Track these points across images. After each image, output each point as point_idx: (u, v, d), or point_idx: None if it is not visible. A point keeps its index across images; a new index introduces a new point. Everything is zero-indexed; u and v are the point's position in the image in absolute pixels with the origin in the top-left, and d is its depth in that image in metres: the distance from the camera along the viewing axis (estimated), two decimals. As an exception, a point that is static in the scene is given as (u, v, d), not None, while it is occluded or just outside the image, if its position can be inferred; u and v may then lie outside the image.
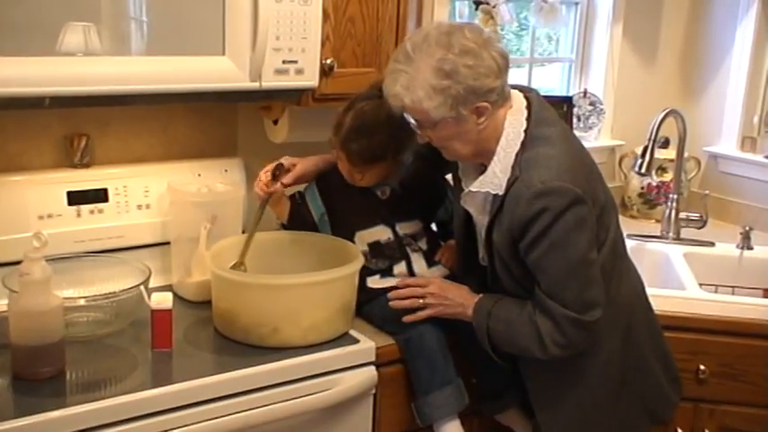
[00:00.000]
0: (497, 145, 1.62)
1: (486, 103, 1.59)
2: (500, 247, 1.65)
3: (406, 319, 1.77)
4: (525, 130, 1.62)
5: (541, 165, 1.57)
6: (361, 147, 1.81)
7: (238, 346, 1.70)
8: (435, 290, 1.77)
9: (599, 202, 1.62)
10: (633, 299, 1.74)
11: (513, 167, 1.60)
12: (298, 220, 1.96)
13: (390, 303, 1.78)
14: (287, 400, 1.63)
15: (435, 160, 1.80)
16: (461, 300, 1.75)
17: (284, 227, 1.98)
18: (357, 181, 1.90)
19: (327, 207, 1.96)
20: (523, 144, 1.61)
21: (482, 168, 1.66)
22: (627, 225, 1.82)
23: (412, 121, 1.64)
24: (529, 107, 1.65)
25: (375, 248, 1.91)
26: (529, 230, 1.57)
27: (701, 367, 2.04)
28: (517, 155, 1.60)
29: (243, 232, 2.04)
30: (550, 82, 3.05)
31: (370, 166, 1.85)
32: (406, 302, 1.77)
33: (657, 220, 2.71)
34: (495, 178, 1.62)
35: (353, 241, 1.92)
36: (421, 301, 1.76)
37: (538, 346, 1.62)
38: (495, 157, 1.62)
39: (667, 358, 1.85)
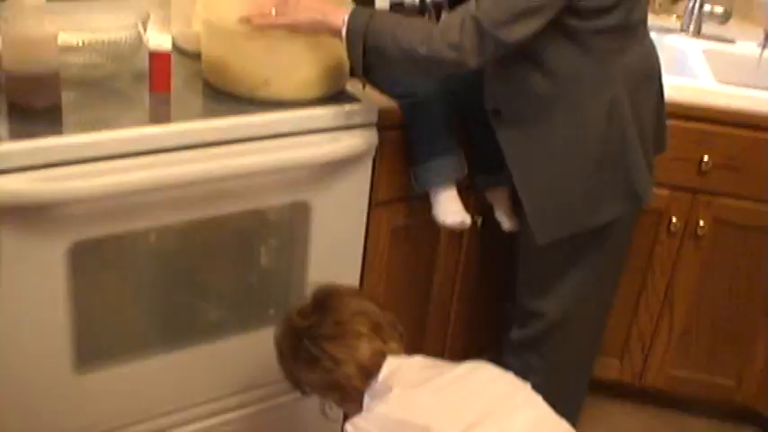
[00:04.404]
0: None
1: None
2: None
3: (256, 24, 1.59)
4: None
5: None
6: None
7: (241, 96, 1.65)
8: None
9: None
10: (629, 76, 1.65)
11: None
12: None
13: (238, 21, 1.61)
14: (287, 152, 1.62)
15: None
16: (320, 6, 1.59)
17: None
18: None
19: None
20: None
21: None
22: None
23: None
24: None
25: (396, 9, 1.83)
26: None
27: (705, 158, 2.02)
28: None
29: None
30: None
31: None
32: (256, 17, 1.59)
33: (679, 17, 2.59)
34: None
35: None
36: (274, 11, 1.59)
37: (423, 39, 1.51)
38: None
39: (649, 143, 1.76)
